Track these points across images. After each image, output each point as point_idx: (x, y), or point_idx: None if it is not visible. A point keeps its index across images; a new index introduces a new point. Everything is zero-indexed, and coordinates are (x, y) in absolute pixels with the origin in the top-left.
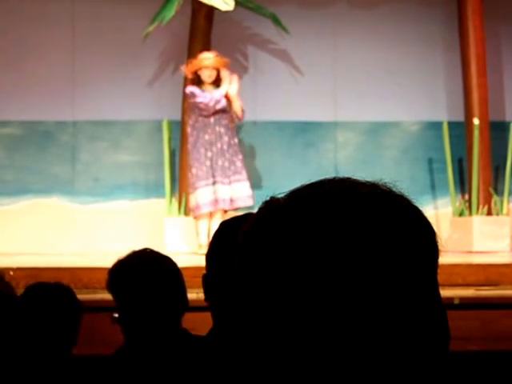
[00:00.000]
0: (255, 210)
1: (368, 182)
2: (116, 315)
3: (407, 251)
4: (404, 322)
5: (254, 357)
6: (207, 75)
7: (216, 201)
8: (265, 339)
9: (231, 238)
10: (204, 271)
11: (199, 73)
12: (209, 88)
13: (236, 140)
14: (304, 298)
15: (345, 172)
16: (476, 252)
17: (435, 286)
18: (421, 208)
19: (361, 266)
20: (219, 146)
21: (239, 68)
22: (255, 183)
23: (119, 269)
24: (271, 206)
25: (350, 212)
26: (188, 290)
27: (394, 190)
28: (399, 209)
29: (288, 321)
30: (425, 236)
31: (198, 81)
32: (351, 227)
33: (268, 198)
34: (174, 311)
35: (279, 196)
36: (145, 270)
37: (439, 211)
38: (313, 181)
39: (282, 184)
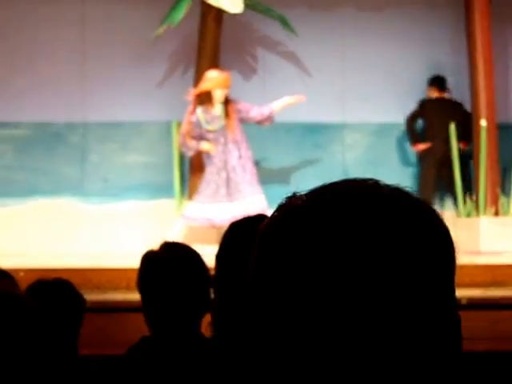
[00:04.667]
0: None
1: (389, 185)
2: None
3: (425, 255)
4: (419, 323)
5: (269, 357)
6: (222, 95)
7: (201, 218)
8: (281, 340)
9: (241, 239)
10: (214, 272)
11: (212, 93)
12: (217, 108)
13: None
14: (322, 299)
15: (353, 173)
16: (483, 253)
17: (451, 290)
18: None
19: (377, 267)
20: (230, 163)
21: (248, 70)
22: (263, 184)
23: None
24: (289, 206)
25: (370, 214)
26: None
27: (413, 194)
28: (419, 213)
29: (306, 322)
30: (443, 241)
31: (206, 99)
32: (370, 230)
33: (286, 198)
34: (196, 311)
35: (297, 196)
36: (178, 264)
37: (446, 212)
38: (333, 181)
39: (291, 185)
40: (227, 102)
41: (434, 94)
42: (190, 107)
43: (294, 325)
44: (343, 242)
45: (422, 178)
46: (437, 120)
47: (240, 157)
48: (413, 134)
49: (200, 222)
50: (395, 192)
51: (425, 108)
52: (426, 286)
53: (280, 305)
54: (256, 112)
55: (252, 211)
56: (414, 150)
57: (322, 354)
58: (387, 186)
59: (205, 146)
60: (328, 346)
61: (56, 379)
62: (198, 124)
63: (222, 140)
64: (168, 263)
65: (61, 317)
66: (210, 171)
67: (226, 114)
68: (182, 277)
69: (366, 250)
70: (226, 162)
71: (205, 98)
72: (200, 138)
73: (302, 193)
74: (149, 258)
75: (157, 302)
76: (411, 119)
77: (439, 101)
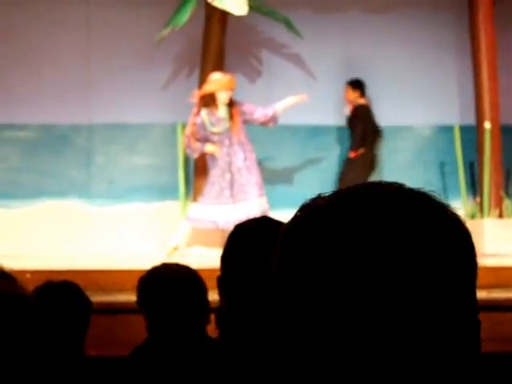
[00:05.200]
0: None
1: (413, 188)
2: None
3: (447, 259)
4: (440, 325)
5: (289, 356)
6: (226, 97)
7: (206, 221)
8: (303, 339)
9: (245, 240)
10: (218, 273)
11: (217, 94)
12: (221, 110)
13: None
14: (344, 301)
15: None
16: (487, 254)
17: (473, 294)
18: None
19: (399, 269)
20: (235, 165)
21: (253, 72)
22: (267, 186)
23: (149, 282)
24: (313, 206)
25: (393, 217)
26: None
27: (437, 198)
28: (442, 218)
29: (328, 322)
30: (465, 246)
31: (210, 101)
32: (392, 232)
33: (309, 199)
34: (196, 319)
35: (321, 196)
36: (172, 284)
37: None
38: (359, 183)
39: (295, 187)
40: (232, 104)
41: (361, 100)
42: (195, 109)
43: (317, 324)
44: (365, 243)
45: (349, 181)
46: (369, 126)
47: (245, 159)
48: (355, 139)
49: (204, 223)
50: (420, 196)
51: (359, 113)
52: (449, 289)
53: (303, 304)
54: (260, 113)
55: (255, 213)
56: (418, 152)
57: (342, 354)
58: (411, 190)
59: (209, 148)
60: (348, 346)
61: (61, 380)
62: (202, 126)
63: (226, 142)
64: (169, 282)
65: (67, 319)
66: (215, 173)
67: (231, 116)
68: (183, 291)
69: (387, 252)
70: (230, 164)
71: (209, 100)
72: (205, 139)
73: (326, 194)
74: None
75: (160, 310)
76: (349, 124)
77: (367, 106)
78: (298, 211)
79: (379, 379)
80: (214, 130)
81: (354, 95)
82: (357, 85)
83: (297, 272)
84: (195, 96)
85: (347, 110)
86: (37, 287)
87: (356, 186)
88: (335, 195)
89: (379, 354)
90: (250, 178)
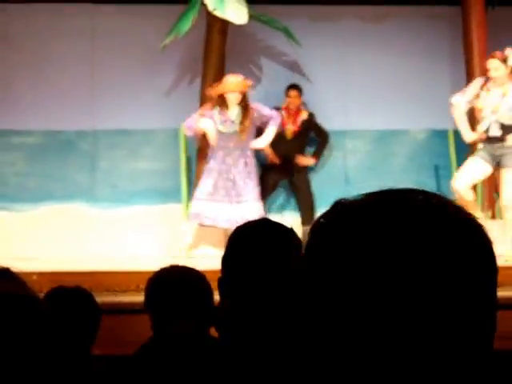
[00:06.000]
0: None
1: (437, 195)
2: None
3: (470, 265)
4: (460, 326)
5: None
6: (235, 98)
7: (203, 216)
8: (330, 335)
9: (246, 242)
10: (220, 275)
11: (225, 95)
12: (232, 111)
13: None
14: (372, 299)
15: (354, 178)
16: None
17: (493, 299)
18: None
19: (424, 271)
20: (235, 169)
21: (253, 79)
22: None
23: (157, 283)
24: (343, 207)
25: (422, 223)
26: None
27: (461, 207)
28: (466, 226)
29: (355, 321)
30: (487, 252)
31: (221, 102)
32: (419, 235)
33: (338, 200)
34: (201, 320)
35: (351, 198)
36: (179, 285)
37: None
38: (390, 188)
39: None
40: (246, 107)
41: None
42: (208, 104)
43: (345, 322)
44: (391, 246)
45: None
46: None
47: (246, 164)
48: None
49: (201, 219)
50: (443, 202)
51: (313, 119)
52: (471, 293)
53: (332, 302)
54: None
55: (250, 216)
56: (413, 156)
57: (367, 349)
58: (435, 196)
59: (207, 127)
60: (372, 342)
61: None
62: (211, 118)
63: (231, 144)
64: (174, 284)
65: (76, 324)
66: (210, 168)
67: (242, 120)
68: (188, 292)
69: (412, 255)
70: (230, 167)
71: (220, 101)
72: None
73: (357, 195)
74: (157, 279)
75: (166, 311)
76: (304, 131)
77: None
78: (328, 211)
79: (400, 374)
80: (222, 129)
81: (300, 101)
82: (301, 90)
83: (324, 272)
84: (209, 91)
85: (304, 115)
86: (48, 290)
87: (384, 191)
88: (366, 197)
89: (402, 351)
90: (249, 183)
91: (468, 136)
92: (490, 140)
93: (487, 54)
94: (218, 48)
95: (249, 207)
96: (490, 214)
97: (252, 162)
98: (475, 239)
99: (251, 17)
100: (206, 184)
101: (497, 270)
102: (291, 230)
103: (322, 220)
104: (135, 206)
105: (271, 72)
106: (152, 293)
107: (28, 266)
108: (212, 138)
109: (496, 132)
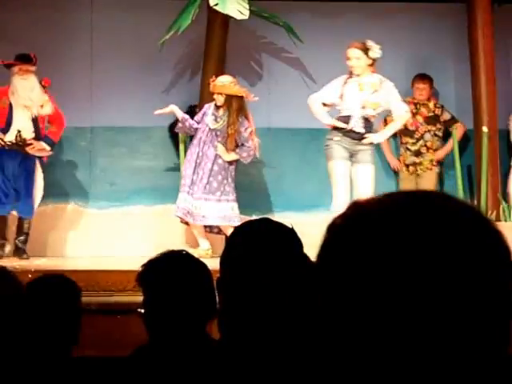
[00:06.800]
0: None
1: (456, 198)
2: (141, 311)
3: (486, 269)
4: (473, 328)
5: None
6: (216, 99)
7: (186, 211)
8: (344, 334)
9: (245, 242)
10: (218, 275)
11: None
12: (221, 111)
13: (232, 167)
14: (388, 300)
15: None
16: None
17: (509, 301)
18: None
19: (438, 272)
20: (209, 164)
21: (254, 75)
22: (268, 188)
23: (154, 264)
24: (359, 208)
25: (437, 223)
26: None
27: (479, 210)
28: (483, 229)
29: (366, 322)
30: (504, 256)
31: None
32: (435, 237)
33: (355, 200)
34: (201, 316)
35: (369, 198)
36: (178, 270)
37: None
38: (409, 190)
39: (295, 189)
40: (230, 113)
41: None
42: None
43: (356, 324)
44: (405, 249)
45: None
46: None
47: (225, 164)
48: None
49: (180, 212)
50: (462, 205)
51: None
52: (486, 297)
53: (344, 303)
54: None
55: (211, 216)
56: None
57: (378, 353)
58: (455, 199)
59: (173, 107)
60: (385, 344)
61: (49, 377)
62: (205, 113)
63: (215, 143)
64: (174, 270)
65: (59, 313)
66: (189, 165)
67: (228, 124)
68: (189, 282)
69: (428, 256)
70: (211, 164)
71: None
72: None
73: (376, 196)
74: (154, 264)
75: (162, 305)
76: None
77: None
78: (345, 213)
79: (412, 373)
80: (209, 123)
81: None
82: None
83: (339, 272)
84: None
85: None
86: (28, 282)
87: (403, 192)
88: (384, 198)
89: (414, 353)
90: (226, 183)
91: (327, 121)
92: (349, 134)
93: (493, 51)
94: (219, 44)
95: (221, 207)
96: (493, 216)
97: (233, 163)
98: (493, 243)
99: (252, 12)
100: (186, 174)
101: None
102: (291, 230)
103: (337, 220)
104: (133, 205)
105: (272, 68)
106: (146, 284)
107: (22, 264)
108: (179, 115)
109: (359, 128)
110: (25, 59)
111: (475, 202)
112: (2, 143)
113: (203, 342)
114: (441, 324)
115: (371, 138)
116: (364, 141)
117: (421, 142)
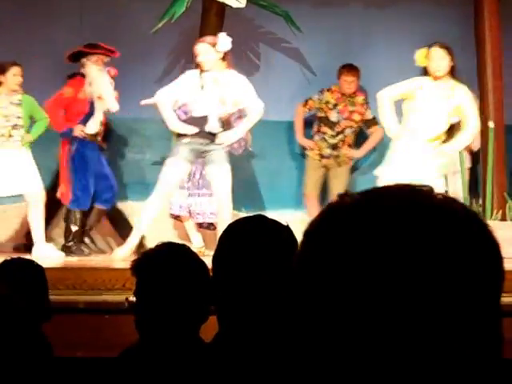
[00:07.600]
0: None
1: (442, 193)
2: (132, 299)
3: (473, 265)
4: (462, 329)
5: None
6: None
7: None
8: (321, 338)
9: (238, 239)
10: (211, 273)
11: None
12: None
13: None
14: (367, 301)
15: (357, 172)
16: None
17: (497, 301)
18: None
19: (423, 270)
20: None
21: (251, 66)
22: (265, 182)
23: (152, 255)
24: (339, 205)
25: (418, 220)
26: None
27: (465, 205)
28: (469, 225)
29: (349, 321)
30: (491, 252)
31: None
32: (416, 234)
33: (336, 197)
34: (194, 317)
35: (347, 195)
36: (176, 264)
37: None
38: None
39: (292, 183)
40: None
41: None
42: None
43: (335, 324)
44: (388, 244)
45: None
46: None
47: None
48: None
49: (177, 209)
50: (447, 201)
51: None
52: (473, 294)
53: (323, 302)
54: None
55: (206, 211)
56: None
57: (363, 353)
58: (440, 195)
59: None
60: (370, 344)
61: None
62: None
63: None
64: (168, 266)
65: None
66: None
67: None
68: (181, 279)
69: (408, 254)
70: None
71: None
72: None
73: (353, 193)
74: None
75: (154, 305)
76: None
77: None
78: (324, 209)
79: (394, 376)
80: None
81: None
82: None
83: (316, 272)
84: None
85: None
86: None
87: (383, 188)
88: (362, 195)
89: (400, 354)
90: (205, 177)
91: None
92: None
93: (500, 43)
94: (214, 33)
95: (204, 201)
96: (500, 214)
97: None
98: (479, 239)
99: (249, 0)
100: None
101: (503, 273)
102: (287, 227)
103: (315, 222)
104: (126, 200)
105: (270, 59)
106: (140, 273)
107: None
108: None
109: (214, 128)
110: (106, 49)
111: (480, 201)
112: (84, 134)
113: (194, 343)
114: (427, 325)
115: (223, 137)
116: (217, 140)
117: (340, 136)
